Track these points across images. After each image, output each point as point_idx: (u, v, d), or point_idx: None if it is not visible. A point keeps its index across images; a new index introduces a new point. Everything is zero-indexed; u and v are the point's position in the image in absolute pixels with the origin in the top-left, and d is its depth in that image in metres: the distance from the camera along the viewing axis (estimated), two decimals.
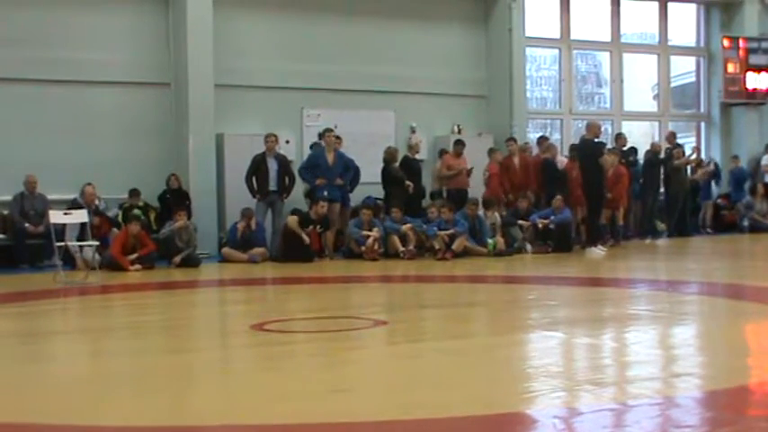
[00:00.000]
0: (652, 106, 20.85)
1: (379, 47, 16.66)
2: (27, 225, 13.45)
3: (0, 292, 10.74)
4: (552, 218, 14.75)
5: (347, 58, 16.33)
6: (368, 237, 13.88)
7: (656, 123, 20.51)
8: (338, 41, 16.34)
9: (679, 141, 18.48)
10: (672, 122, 20.29)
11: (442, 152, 15.90)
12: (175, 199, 14.23)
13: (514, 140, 16.28)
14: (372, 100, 16.59)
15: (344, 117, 15.93)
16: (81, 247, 12.65)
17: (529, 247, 14.62)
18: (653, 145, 17.94)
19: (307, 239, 13.63)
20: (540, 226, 14.69)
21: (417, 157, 15.87)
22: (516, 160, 15.89)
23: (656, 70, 20.39)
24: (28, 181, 13.64)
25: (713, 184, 19.30)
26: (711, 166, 19.18)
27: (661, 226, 17.74)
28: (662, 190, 17.69)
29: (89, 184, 13.62)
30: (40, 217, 13.32)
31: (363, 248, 13.87)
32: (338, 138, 14.99)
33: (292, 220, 13.74)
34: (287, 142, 15.56)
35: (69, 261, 12.65)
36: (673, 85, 20.83)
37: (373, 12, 16.72)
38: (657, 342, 6.89)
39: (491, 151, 16.16)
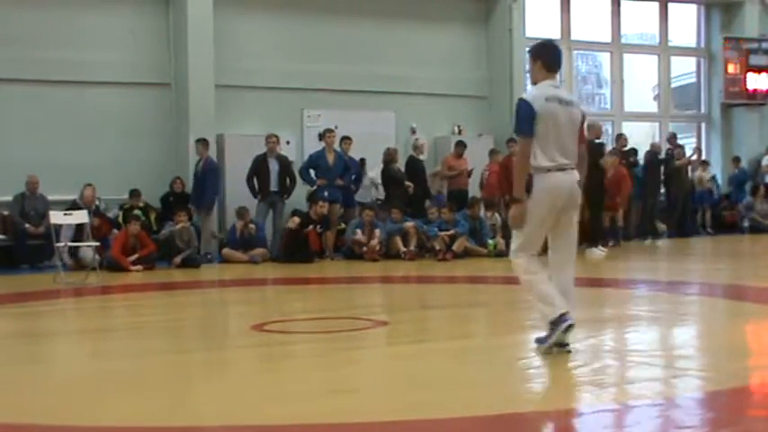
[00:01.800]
0: (653, 107, 20.85)
1: (379, 47, 16.66)
2: (27, 225, 13.44)
3: (0, 293, 10.75)
4: None
5: (348, 59, 16.33)
6: (362, 241, 13.88)
7: (657, 124, 20.52)
8: (339, 42, 16.34)
9: (680, 142, 18.50)
10: (672, 123, 20.30)
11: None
12: (178, 202, 14.22)
13: (515, 141, 16.24)
14: (373, 100, 16.58)
15: (345, 117, 15.92)
16: (77, 247, 12.66)
17: None
18: (653, 145, 17.95)
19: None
20: None
21: (421, 157, 15.88)
22: (515, 160, 15.87)
23: (656, 71, 20.39)
24: (29, 181, 13.64)
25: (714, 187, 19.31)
26: (708, 175, 19.18)
27: (661, 227, 17.74)
28: (662, 190, 17.71)
29: (89, 185, 13.63)
30: (40, 217, 13.32)
31: (364, 249, 13.87)
32: (348, 138, 15.01)
33: (293, 222, 13.76)
34: (287, 143, 15.56)
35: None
36: (673, 85, 20.83)
37: (374, 12, 16.73)
38: (658, 343, 6.89)
39: (492, 152, 16.17)
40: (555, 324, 5.73)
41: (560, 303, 5.76)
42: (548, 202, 5.76)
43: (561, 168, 5.77)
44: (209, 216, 14.27)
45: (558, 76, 6.02)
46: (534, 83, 6.01)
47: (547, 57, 5.97)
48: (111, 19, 14.95)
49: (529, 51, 6.10)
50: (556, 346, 5.81)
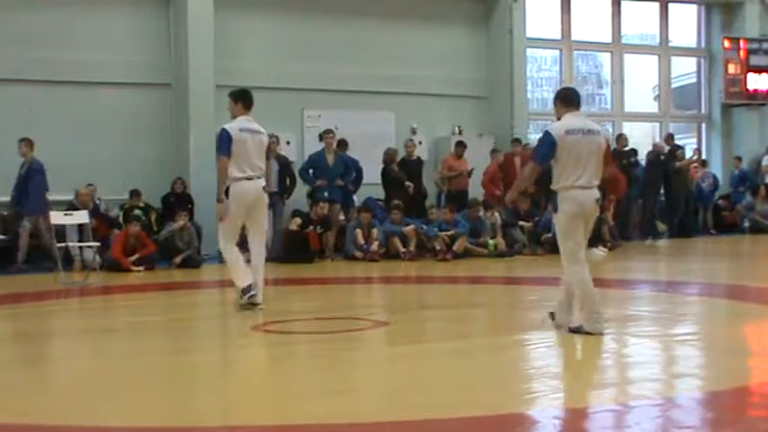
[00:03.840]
0: (653, 107, 20.85)
1: (380, 48, 16.66)
2: (25, 223, 13.28)
3: (0, 293, 10.75)
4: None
5: (348, 59, 16.33)
6: (363, 244, 13.88)
7: (657, 124, 20.53)
8: (339, 42, 16.34)
9: (680, 143, 18.50)
10: (673, 123, 20.30)
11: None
12: (179, 202, 14.22)
13: (519, 141, 16.31)
14: (373, 101, 16.58)
15: (345, 118, 15.93)
16: (81, 248, 12.66)
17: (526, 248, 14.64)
18: (655, 146, 17.95)
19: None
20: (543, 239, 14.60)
21: (422, 157, 15.90)
22: (518, 161, 15.90)
23: (656, 71, 20.39)
24: None
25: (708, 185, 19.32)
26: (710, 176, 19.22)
27: (662, 227, 17.74)
28: (662, 191, 17.71)
29: (89, 185, 13.63)
30: None
31: (362, 247, 13.89)
32: (345, 143, 14.95)
33: (294, 223, 13.75)
34: (287, 143, 15.57)
35: (70, 262, 12.68)
36: (673, 85, 20.84)
37: (374, 12, 16.73)
38: (658, 343, 6.89)
39: (493, 152, 16.17)
40: (244, 292, 8.23)
41: (247, 276, 8.27)
42: (239, 202, 8.21)
43: (249, 178, 8.22)
44: (45, 217, 12.72)
45: (250, 112, 8.44)
46: (234, 117, 8.37)
47: (245, 99, 8.44)
48: (112, 19, 14.95)
49: (230, 95, 8.47)
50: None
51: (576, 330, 6.70)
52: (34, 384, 5.58)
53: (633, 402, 4.79)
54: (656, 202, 17.61)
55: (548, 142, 6.68)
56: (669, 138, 18.15)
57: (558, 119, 6.87)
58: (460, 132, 16.97)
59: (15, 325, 8.45)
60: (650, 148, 17.96)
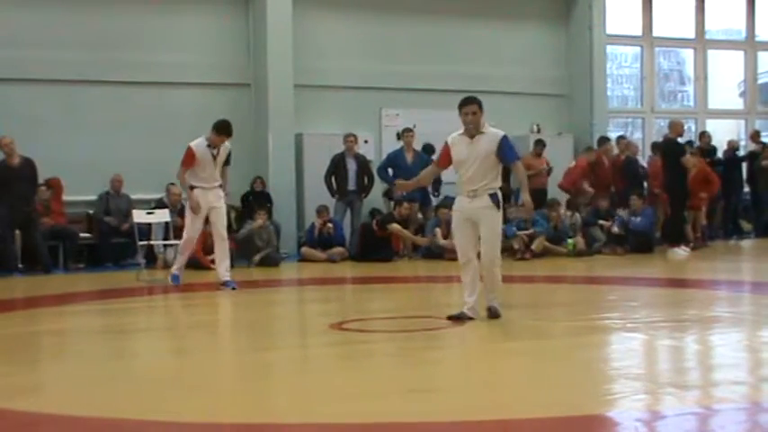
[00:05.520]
0: (738, 104, 20.37)
1: (457, 46, 16.59)
2: (108, 218, 13.64)
3: (86, 290, 11.01)
4: (632, 219, 14.47)
5: (426, 58, 16.31)
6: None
7: (743, 121, 20.05)
8: (417, 41, 16.32)
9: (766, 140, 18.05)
10: (759, 120, 19.81)
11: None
12: (258, 200, 14.37)
13: (608, 140, 16.10)
14: (451, 99, 16.27)
15: (423, 117, 15.89)
16: (165, 246, 12.89)
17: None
18: (730, 143, 17.54)
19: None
20: (616, 230, 14.42)
21: None
22: (606, 159, 15.69)
23: (742, 67, 19.92)
24: (114, 180, 13.94)
25: None
26: None
27: (747, 226, 17.33)
28: (746, 189, 17.31)
29: (173, 183, 13.85)
30: (124, 216, 13.59)
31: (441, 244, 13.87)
32: (432, 148, 14.93)
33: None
34: (365, 142, 15.60)
35: (152, 260, 12.91)
36: (760, 81, 20.31)
37: (452, 11, 16.65)
38: (743, 345, 6.72)
39: (587, 149, 15.96)
40: None
41: None
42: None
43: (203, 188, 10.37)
44: None
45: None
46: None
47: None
48: (193, 21, 15.18)
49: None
50: None
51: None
52: (118, 380, 5.68)
53: (718, 406, 4.68)
54: (739, 200, 17.21)
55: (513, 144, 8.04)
56: (755, 135, 17.71)
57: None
58: (539, 131, 16.82)
59: (101, 321, 8.64)
60: (726, 146, 17.54)
